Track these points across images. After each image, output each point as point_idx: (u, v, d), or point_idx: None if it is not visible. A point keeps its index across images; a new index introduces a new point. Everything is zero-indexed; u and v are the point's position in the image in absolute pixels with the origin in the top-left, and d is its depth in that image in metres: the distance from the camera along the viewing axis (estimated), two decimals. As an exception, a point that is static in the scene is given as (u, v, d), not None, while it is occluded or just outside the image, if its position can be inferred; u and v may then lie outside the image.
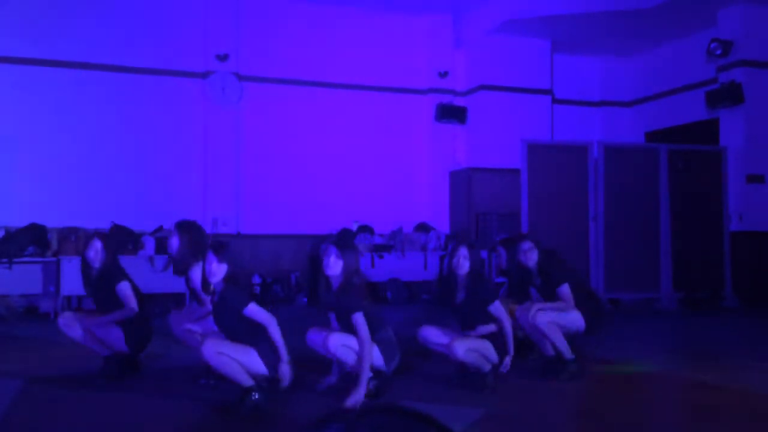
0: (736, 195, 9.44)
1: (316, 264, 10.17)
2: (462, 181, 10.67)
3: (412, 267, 9.97)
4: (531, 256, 5.00)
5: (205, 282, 4.11)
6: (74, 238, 8.20)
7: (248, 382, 3.92)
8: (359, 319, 4.09)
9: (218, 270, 4.02)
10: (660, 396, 4.50)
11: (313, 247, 10.02)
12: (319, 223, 10.15)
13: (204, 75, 9.89)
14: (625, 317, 8.15)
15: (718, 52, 9.38)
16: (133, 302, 4.73)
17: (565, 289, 4.85)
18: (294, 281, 9.78)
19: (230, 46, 9.95)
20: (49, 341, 6.16)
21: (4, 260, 7.94)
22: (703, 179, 9.36)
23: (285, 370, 3.96)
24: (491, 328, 4.54)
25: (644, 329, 7.39)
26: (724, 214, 9.39)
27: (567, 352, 4.78)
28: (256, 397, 3.91)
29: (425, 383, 4.71)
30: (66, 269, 7.95)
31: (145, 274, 8.37)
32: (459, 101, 11.15)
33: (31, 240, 8.19)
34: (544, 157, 8.93)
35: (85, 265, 4.89)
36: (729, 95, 9.28)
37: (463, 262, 4.49)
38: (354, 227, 9.92)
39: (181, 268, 4.79)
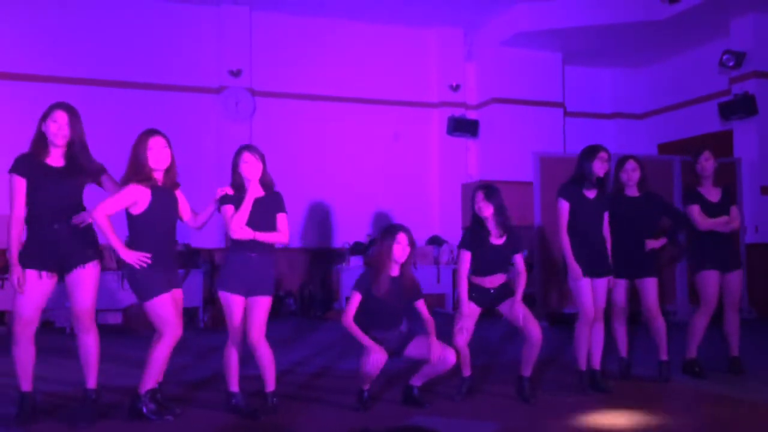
0: (751, 207, 9.38)
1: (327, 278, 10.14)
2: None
3: (424, 280, 9.91)
4: None
5: None
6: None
7: None
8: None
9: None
10: (680, 410, 4.46)
11: (326, 261, 10.05)
12: (331, 237, 10.16)
13: (218, 90, 9.97)
14: (641, 330, 8.07)
15: (731, 63, 9.35)
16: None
17: None
18: (307, 295, 9.78)
19: (243, 62, 10.02)
20: (66, 354, 6.18)
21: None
22: (717, 191, 9.29)
23: None
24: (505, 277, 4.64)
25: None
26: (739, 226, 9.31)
27: None
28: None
29: (443, 397, 4.71)
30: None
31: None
32: (471, 114, 11.17)
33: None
34: (556, 170, 8.86)
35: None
36: (742, 107, 9.24)
37: (483, 206, 4.54)
38: (366, 240, 9.93)
39: None
